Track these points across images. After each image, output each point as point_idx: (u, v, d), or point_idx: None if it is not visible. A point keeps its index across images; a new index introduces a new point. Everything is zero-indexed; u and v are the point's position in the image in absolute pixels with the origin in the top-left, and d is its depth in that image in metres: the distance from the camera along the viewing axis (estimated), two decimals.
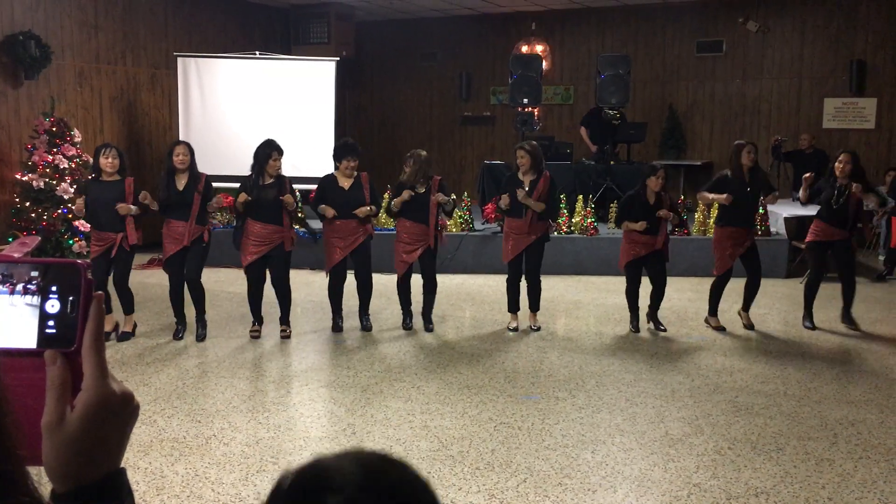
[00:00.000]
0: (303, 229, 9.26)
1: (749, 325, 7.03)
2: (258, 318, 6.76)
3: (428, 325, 6.98)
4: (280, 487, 0.77)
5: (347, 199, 6.68)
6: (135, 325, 6.73)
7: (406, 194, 6.71)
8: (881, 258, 10.22)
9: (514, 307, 7.04)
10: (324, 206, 6.65)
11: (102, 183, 6.37)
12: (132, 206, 6.29)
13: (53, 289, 0.80)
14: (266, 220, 6.47)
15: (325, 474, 0.76)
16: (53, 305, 0.80)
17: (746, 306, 7.08)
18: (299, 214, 8.57)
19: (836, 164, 6.84)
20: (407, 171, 6.81)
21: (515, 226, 6.84)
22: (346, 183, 6.72)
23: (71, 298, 0.80)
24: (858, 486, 4.02)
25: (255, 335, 6.70)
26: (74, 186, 8.93)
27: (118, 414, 0.79)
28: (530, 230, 6.78)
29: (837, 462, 4.31)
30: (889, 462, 4.32)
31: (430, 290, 6.95)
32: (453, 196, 6.96)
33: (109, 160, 6.31)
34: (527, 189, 6.73)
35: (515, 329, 6.99)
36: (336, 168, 6.79)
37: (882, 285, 9.01)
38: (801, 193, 7.00)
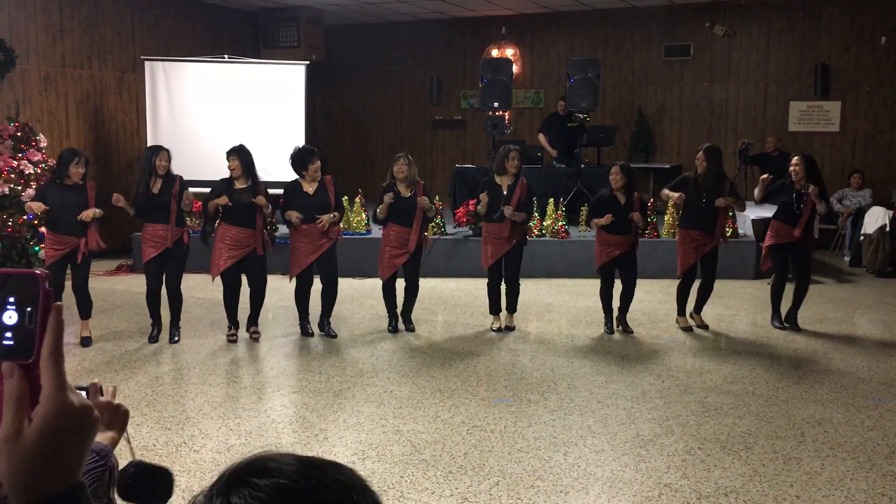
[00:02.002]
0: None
1: (702, 326, 7.12)
2: (234, 323, 6.77)
3: (409, 326, 7.07)
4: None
5: (313, 203, 6.68)
6: (89, 332, 6.66)
7: (387, 197, 6.72)
8: (846, 259, 10.38)
9: (495, 309, 7.13)
10: (289, 211, 6.65)
11: (64, 187, 6.34)
12: (96, 210, 6.34)
13: (11, 300, 0.79)
14: (240, 224, 6.52)
15: (261, 463, 0.81)
16: (11, 317, 0.79)
17: (698, 308, 7.20)
18: (270, 220, 8.47)
19: (790, 167, 6.98)
20: (399, 174, 6.79)
21: (495, 230, 6.90)
22: (310, 188, 6.72)
23: (29, 309, 0.79)
24: (825, 484, 4.08)
25: (233, 339, 6.72)
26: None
27: (77, 426, 0.78)
28: (510, 235, 6.86)
29: (805, 460, 4.37)
30: (855, 460, 4.38)
31: (412, 292, 7.05)
32: (434, 204, 7.01)
33: (80, 170, 6.34)
34: (505, 193, 6.82)
35: (499, 329, 7.07)
36: (302, 176, 6.75)
37: (845, 286, 9.15)
38: (756, 193, 7.11)
